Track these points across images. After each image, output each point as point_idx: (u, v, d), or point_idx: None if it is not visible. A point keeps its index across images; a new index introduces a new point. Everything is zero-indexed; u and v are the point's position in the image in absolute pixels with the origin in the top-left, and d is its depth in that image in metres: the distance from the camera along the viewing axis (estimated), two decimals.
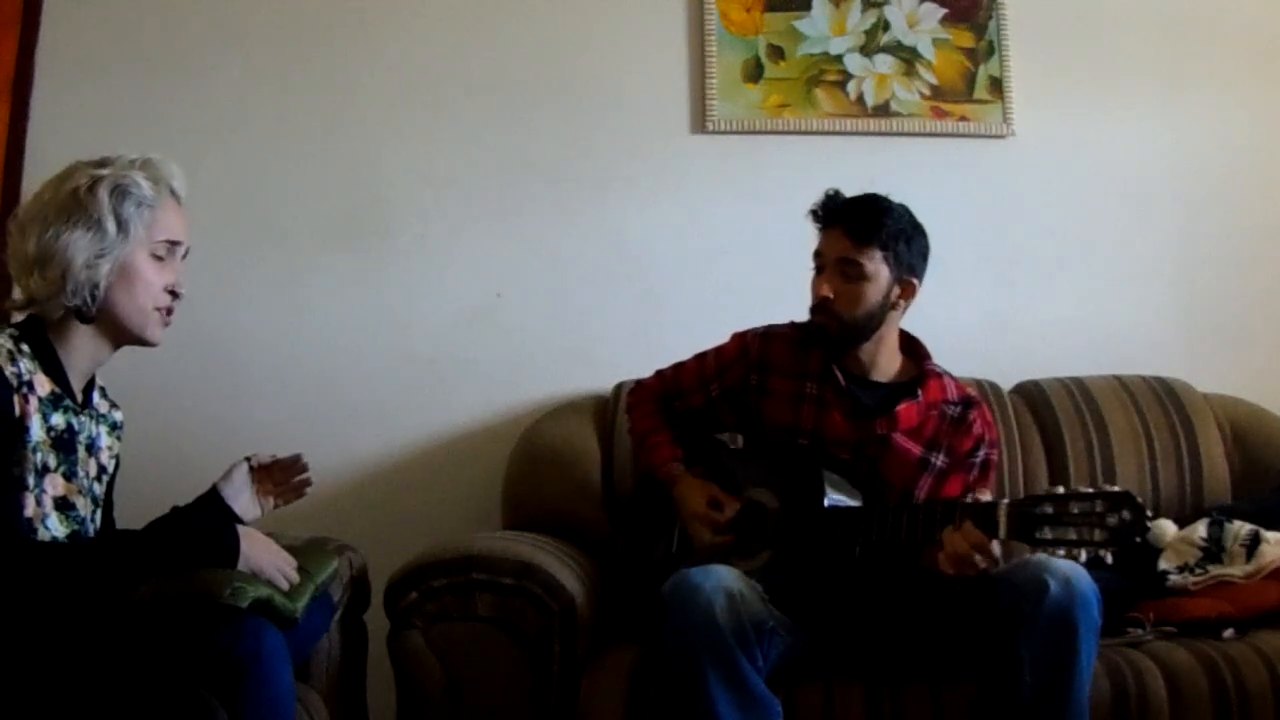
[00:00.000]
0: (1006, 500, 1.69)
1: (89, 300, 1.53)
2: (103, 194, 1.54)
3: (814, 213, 1.99)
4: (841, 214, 1.95)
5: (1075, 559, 1.60)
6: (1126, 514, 1.54)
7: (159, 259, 1.59)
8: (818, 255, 1.98)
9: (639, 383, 2.24)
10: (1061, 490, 1.62)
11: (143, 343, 1.61)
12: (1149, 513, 1.55)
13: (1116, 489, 1.57)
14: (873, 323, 1.96)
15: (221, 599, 1.44)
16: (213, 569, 1.48)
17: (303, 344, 2.64)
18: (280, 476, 1.82)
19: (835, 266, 1.94)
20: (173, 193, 1.62)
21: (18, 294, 1.57)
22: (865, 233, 1.92)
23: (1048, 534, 1.60)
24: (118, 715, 1.38)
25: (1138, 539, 1.54)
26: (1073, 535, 1.57)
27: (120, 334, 1.59)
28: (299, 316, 2.65)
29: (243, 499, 1.77)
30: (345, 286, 2.67)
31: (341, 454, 2.62)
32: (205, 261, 2.60)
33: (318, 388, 2.63)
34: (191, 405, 2.59)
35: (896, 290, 1.96)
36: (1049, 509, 1.61)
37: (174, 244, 1.61)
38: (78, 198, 1.54)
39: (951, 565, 1.70)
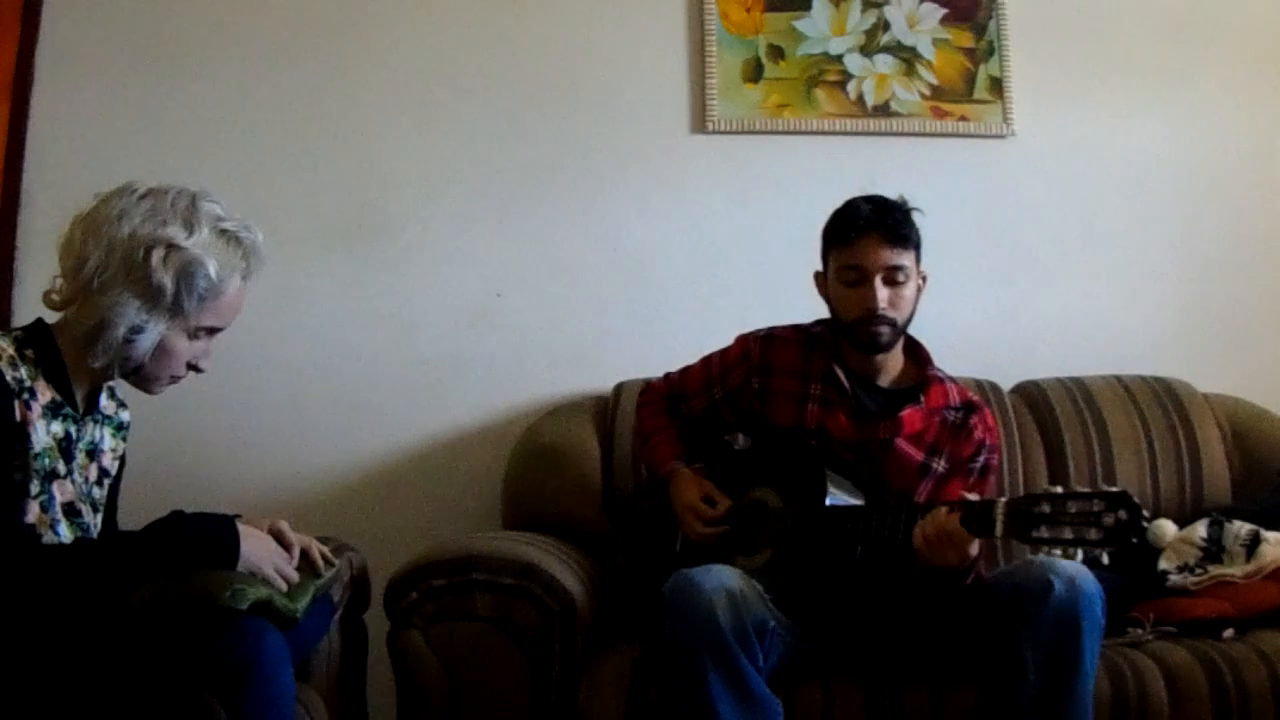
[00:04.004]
0: (1004, 499, 1.69)
1: (115, 367, 1.52)
2: (171, 271, 1.48)
3: (839, 226, 1.96)
4: (875, 222, 1.92)
5: (1071, 559, 1.60)
6: (1123, 513, 1.54)
7: (194, 339, 1.56)
8: (851, 268, 1.93)
9: (648, 384, 2.25)
10: (1059, 489, 1.62)
11: (143, 390, 1.61)
12: (1146, 513, 1.55)
13: (1114, 489, 1.57)
14: (912, 319, 1.98)
15: (221, 601, 1.43)
16: (212, 571, 1.48)
17: (303, 344, 2.64)
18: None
19: (883, 275, 1.91)
20: (243, 276, 1.56)
21: (60, 285, 1.54)
22: (902, 237, 1.92)
23: (1044, 533, 1.60)
24: (119, 718, 1.38)
25: (1134, 539, 1.54)
26: (1069, 534, 1.57)
27: (127, 378, 1.58)
28: (299, 316, 2.65)
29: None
30: (345, 286, 2.67)
31: (341, 454, 2.62)
32: None
33: (318, 388, 2.63)
34: (190, 405, 2.57)
35: (920, 282, 1.97)
36: (1046, 508, 1.60)
37: (215, 330, 1.58)
38: (149, 263, 1.47)
39: (925, 544, 1.71)
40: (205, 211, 1.53)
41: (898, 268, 1.91)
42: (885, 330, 1.93)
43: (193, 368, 1.59)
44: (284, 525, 1.66)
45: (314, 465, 2.61)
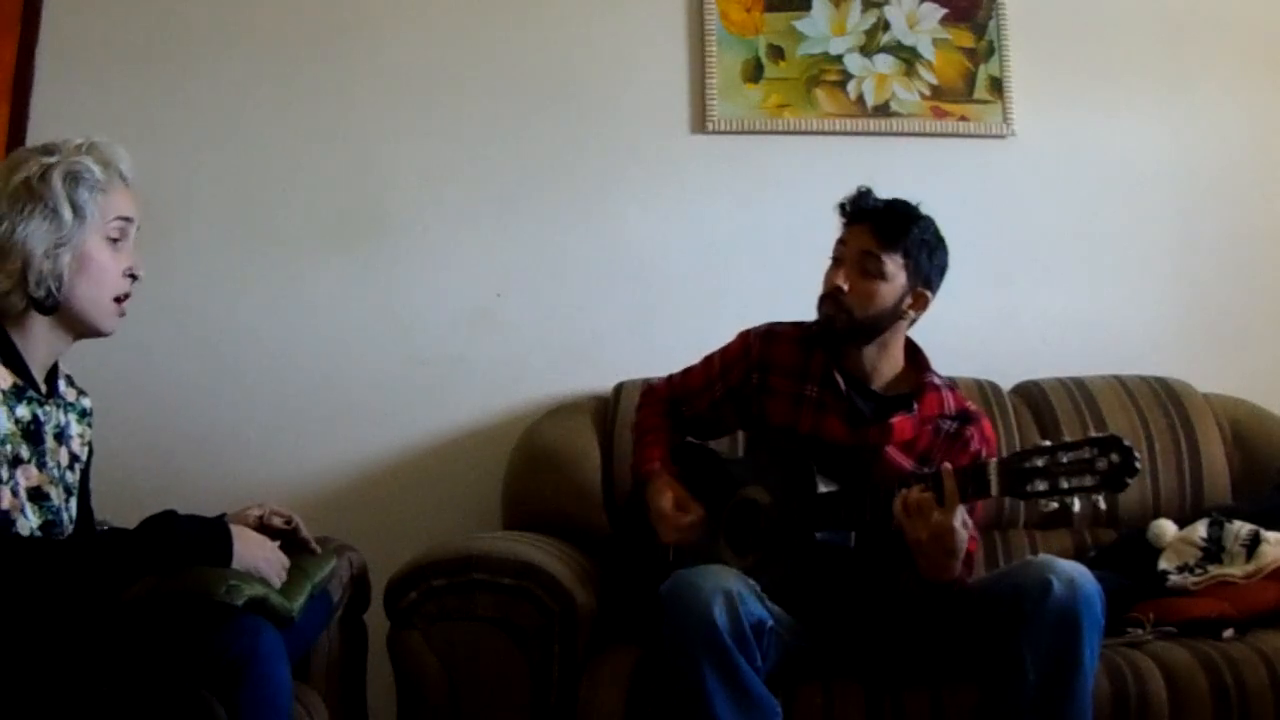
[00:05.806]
0: (995, 459, 1.69)
1: (53, 290, 1.52)
2: (56, 181, 1.52)
3: (842, 206, 1.99)
4: (871, 212, 1.95)
5: (1069, 508, 1.59)
6: (1115, 456, 1.55)
7: (114, 241, 1.58)
8: (840, 244, 1.98)
9: (650, 385, 2.24)
10: (1049, 443, 1.63)
11: (98, 333, 1.60)
12: (1138, 454, 1.55)
13: (1103, 434, 1.58)
14: (879, 325, 1.95)
15: (217, 597, 1.43)
16: (207, 567, 1.48)
17: (303, 344, 2.64)
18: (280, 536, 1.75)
19: (855, 260, 1.93)
20: (121, 175, 1.60)
21: None
22: (892, 235, 1.92)
23: (1040, 487, 1.60)
24: (116, 715, 1.38)
25: (1128, 480, 1.54)
26: (1065, 485, 1.58)
27: (78, 325, 1.58)
28: (299, 316, 2.65)
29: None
30: (345, 286, 2.67)
31: (341, 454, 2.62)
32: (205, 261, 2.63)
33: (317, 388, 2.63)
34: (191, 405, 2.59)
35: (909, 299, 1.95)
36: (1039, 462, 1.61)
37: (127, 221, 1.60)
38: (30, 186, 1.52)
39: (901, 513, 1.71)
40: (59, 143, 1.58)
41: (876, 258, 1.92)
42: (839, 315, 1.94)
43: (131, 276, 1.60)
44: (272, 506, 1.71)
45: (314, 465, 2.61)
